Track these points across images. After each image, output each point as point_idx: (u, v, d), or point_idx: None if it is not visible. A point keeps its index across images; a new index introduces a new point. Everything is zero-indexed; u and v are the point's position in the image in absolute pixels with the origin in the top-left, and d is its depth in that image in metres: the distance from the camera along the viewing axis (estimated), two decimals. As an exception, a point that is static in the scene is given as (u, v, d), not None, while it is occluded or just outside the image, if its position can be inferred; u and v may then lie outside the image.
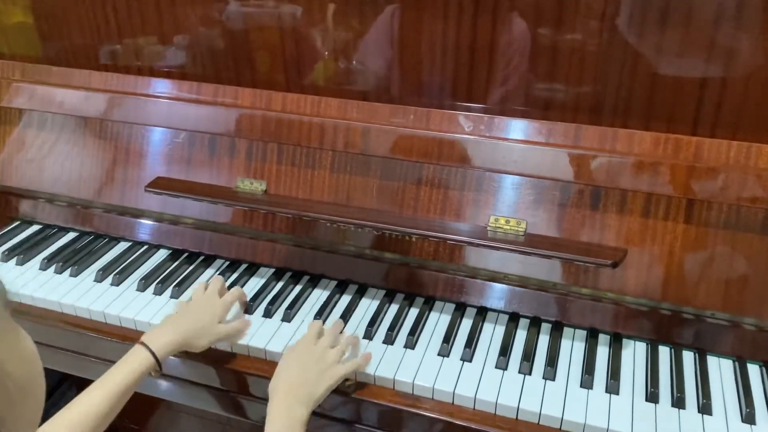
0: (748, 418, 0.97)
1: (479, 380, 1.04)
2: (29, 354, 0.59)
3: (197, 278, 1.30)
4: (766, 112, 1.01)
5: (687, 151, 1.05)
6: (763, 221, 1.02)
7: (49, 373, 1.38)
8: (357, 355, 1.08)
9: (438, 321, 1.17)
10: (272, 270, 1.31)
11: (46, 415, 0.99)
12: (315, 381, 0.98)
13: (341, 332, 1.12)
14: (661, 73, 1.04)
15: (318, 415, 1.09)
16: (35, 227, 1.47)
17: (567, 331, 1.14)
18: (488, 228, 1.13)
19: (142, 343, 1.02)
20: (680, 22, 1.00)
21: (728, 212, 1.03)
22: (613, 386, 1.02)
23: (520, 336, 1.13)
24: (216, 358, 1.13)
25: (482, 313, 1.18)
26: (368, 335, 1.13)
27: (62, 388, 1.76)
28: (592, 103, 1.09)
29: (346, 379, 1.04)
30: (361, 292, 1.24)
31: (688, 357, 1.09)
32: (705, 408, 0.99)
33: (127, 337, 1.18)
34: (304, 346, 1.04)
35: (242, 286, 1.26)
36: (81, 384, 1.79)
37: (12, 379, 0.53)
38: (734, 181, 1.00)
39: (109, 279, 1.29)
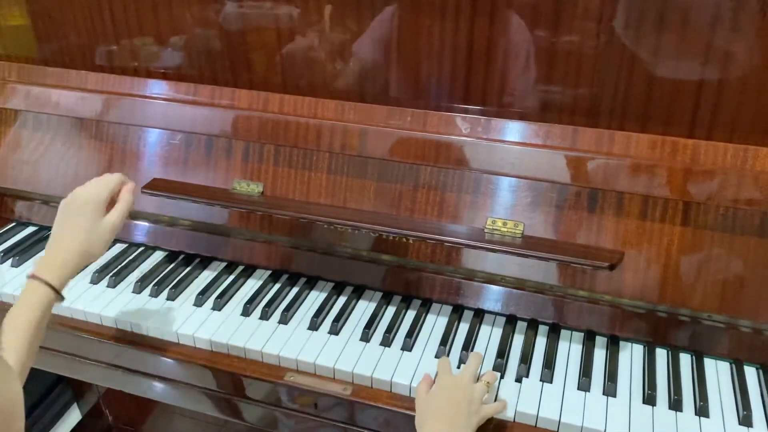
0: (745, 420, 0.97)
1: (476, 382, 1.04)
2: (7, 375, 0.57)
3: (194, 280, 1.29)
4: (763, 115, 1.02)
5: (683, 154, 1.05)
6: (759, 224, 1.02)
7: (44, 374, 1.39)
8: (494, 387, 1.02)
9: (435, 323, 1.17)
10: (269, 272, 1.30)
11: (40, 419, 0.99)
12: (466, 418, 0.92)
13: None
14: (657, 76, 1.04)
15: (312, 416, 1.09)
16: (31, 228, 1.47)
17: (564, 333, 1.14)
18: (485, 230, 1.13)
19: (36, 277, 0.94)
20: (677, 25, 1.00)
21: (725, 215, 1.04)
22: (610, 389, 1.02)
23: (518, 338, 1.13)
24: (212, 360, 1.12)
25: (479, 315, 1.18)
26: (365, 337, 1.13)
27: (57, 389, 1.76)
28: (589, 106, 1.09)
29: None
30: (358, 294, 1.24)
31: (685, 359, 1.09)
32: (702, 410, 0.99)
33: (123, 339, 1.17)
34: (447, 380, 0.98)
35: (239, 288, 1.26)
36: (76, 385, 1.79)
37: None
38: (731, 184, 1.00)
39: (105, 281, 1.28)
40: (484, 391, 0.98)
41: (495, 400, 1.01)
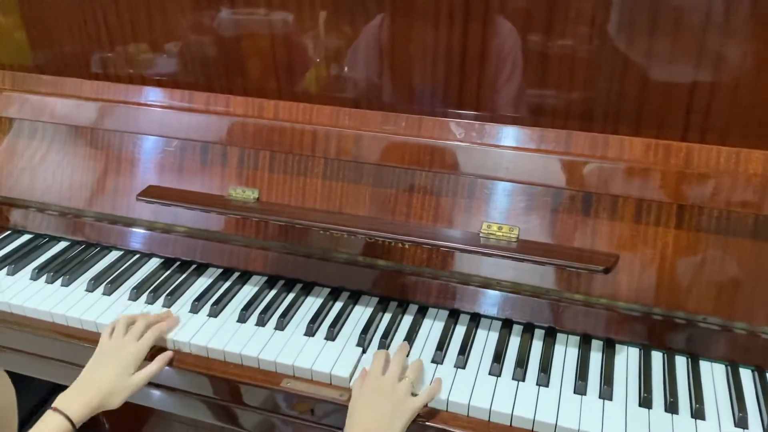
0: (741, 422, 0.97)
1: (473, 387, 1.04)
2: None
3: (190, 287, 1.29)
4: (755, 118, 1.02)
5: (677, 157, 1.05)
6: (753, 226, 1.03)
7: (39, 382, 1.38)
8: (421, 379, 1.05)
9: (431, 328, 1.17)
10: (265, 278, 1.30)
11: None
12: (390, 420, 0.95)
13: (408, 354, 1.10)
14: (650, 80, 1.05)
15: (309, 422, 1.09)
16: (26, 237, 1.47)
17: (560, 336, 1.14)
18: (481, 235, 1.13)
19: (56, 410, 0.99)
20: (669, 29, 1.00)
21: (719, 217, 1.04)
22: (606, 392, 1.02)
23: (514, 342, 1.13)
24: (208, 366, 1.12)
25: (476, 319, 1.18)
26: (362, 343, 1.13)
27: (53, 398, 1.75)
28: (583, 110, 1.10)
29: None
30: (354, 300, 1.24)
31: (681, 362, 1.09)
32: (698, 413, 0.99)
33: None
34: (372, 383, 1.00)
35: (235, 295, 1.26)
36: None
37: None
38: (724, 187, 1.01)
39: (101, 288, 1.28)
40: (409, 389, 1.00)
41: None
